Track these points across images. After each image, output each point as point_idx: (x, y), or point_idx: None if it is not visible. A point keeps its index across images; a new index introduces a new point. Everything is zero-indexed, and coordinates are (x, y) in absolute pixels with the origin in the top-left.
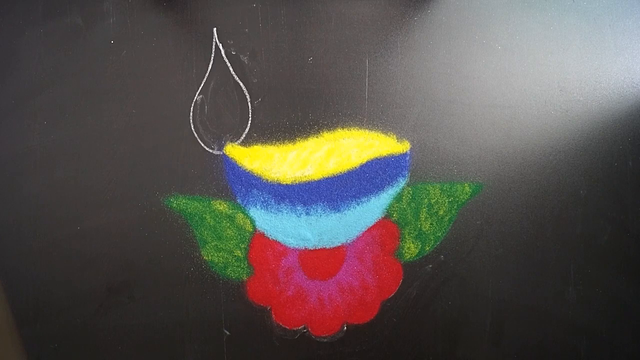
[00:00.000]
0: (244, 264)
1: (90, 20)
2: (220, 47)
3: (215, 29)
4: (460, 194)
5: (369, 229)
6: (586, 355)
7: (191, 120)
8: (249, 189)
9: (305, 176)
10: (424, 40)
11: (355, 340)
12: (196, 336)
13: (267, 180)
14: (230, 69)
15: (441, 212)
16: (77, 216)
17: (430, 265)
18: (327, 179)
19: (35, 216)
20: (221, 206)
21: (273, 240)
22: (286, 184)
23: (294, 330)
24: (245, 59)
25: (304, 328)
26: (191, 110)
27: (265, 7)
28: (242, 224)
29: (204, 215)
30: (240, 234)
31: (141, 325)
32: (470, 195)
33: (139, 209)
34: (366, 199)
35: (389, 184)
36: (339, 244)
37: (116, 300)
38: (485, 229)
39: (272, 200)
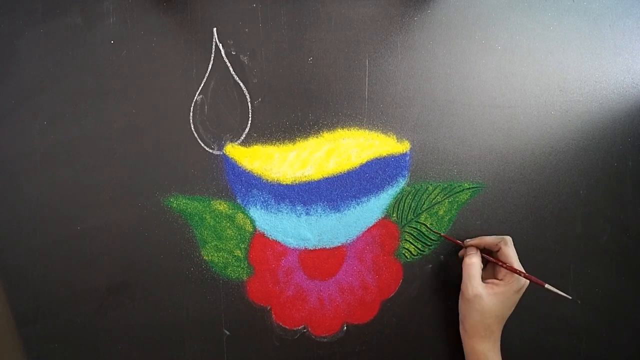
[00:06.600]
0: (244, 264)
1: (90, 20)
2: (220, 47)
3: (215, 29)
4: (460, 194)
5: (369, 229)
6: (586, 355)
7: (191, 120)
8: (249, 189)
9: (305, 176)
10: (424, 40)
11: (355, 340)
12: (196, 336)
13: (267, 180)
14: (230, 69)
15: (441, 212)
16: (77, 216)
17: (430, 265)
18: (327, 179)
19: (35, 216)
20: (221, 206)
21: (273, 240)
22: (286, 184)
23: (294, 330)
24: (245, 59)
25: (304, 328)
26: (191, 110)
27: (265, 7)
28: (242, 224)
29: (204, 215)
30: (240, 234)
31: (141, 325)
32: (470, 195)
33: (139, 209)
34: (366, 199)
35: (388, 184)
36: (339, 244)
37: (116, 300)
38: (485, 229)
39: (272, 200)
